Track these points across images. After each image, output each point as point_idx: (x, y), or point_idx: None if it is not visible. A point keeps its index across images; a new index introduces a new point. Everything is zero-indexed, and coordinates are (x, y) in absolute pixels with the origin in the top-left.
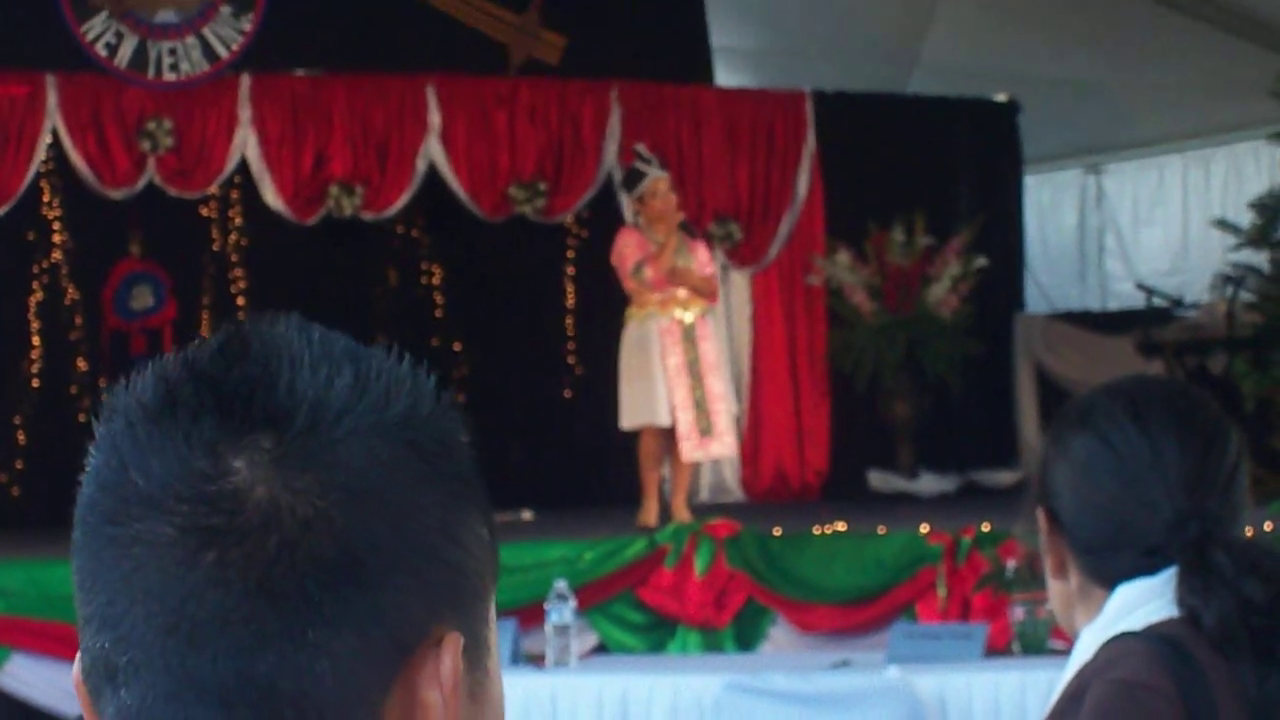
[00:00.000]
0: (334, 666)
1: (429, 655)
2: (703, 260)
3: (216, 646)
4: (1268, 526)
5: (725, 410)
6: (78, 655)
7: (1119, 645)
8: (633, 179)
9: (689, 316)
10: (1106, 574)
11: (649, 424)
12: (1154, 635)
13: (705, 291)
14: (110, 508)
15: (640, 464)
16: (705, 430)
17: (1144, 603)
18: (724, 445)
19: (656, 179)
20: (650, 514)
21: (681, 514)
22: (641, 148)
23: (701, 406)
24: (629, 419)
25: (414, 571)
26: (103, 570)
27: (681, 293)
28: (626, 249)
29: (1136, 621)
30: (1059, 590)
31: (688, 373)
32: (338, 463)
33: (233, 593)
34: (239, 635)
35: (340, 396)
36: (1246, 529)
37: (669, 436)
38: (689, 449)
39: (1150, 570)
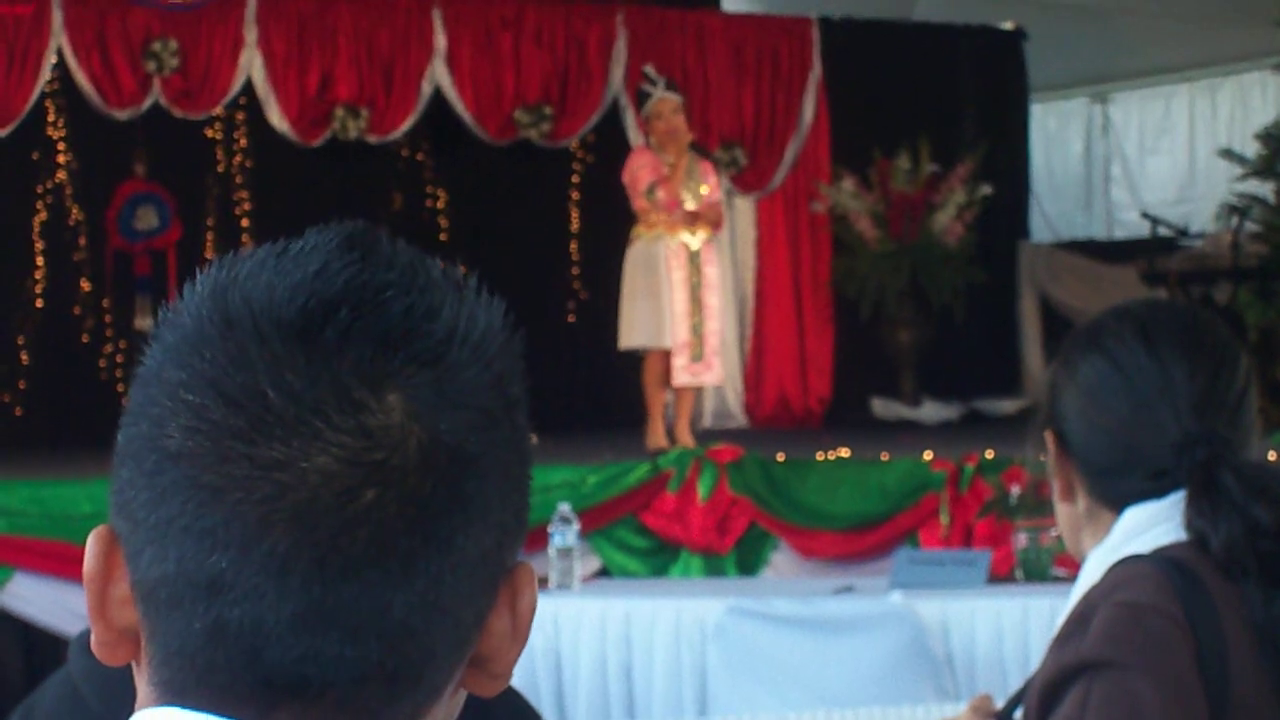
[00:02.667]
0: (456, 605)
1: (502, 587)
2: (711, 185)
3: (363, 581)
4: (1271, 456)
5: (718, 338)
6: (96, 552)
7: (1126, 568)
8: (639, 100)
9: (695, 242)
10: (1114, 497)
11: (652, 345)
12: (1161, 558)
13: (710, 219)
14: (240, 424)
15: (645, 386)
16: (697, 356)
17: (1152, 526)
18: (714, 374)
19: (660, 100)
20: (658, 435)
21: (685, 438)
22: (649, 69)
23: (697, 332)
24: (629, 339)
25: (513, 508)
26: (227, 488)
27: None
28: (640, 169)
29: (1144, 544)
30: (1066, 513)
31: (689, 297)
32: (479, 404)
33: (389, 530)
34: (389, 571)
35: (480, 334)
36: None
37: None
38: (678, 373)
39: (1158, 493)
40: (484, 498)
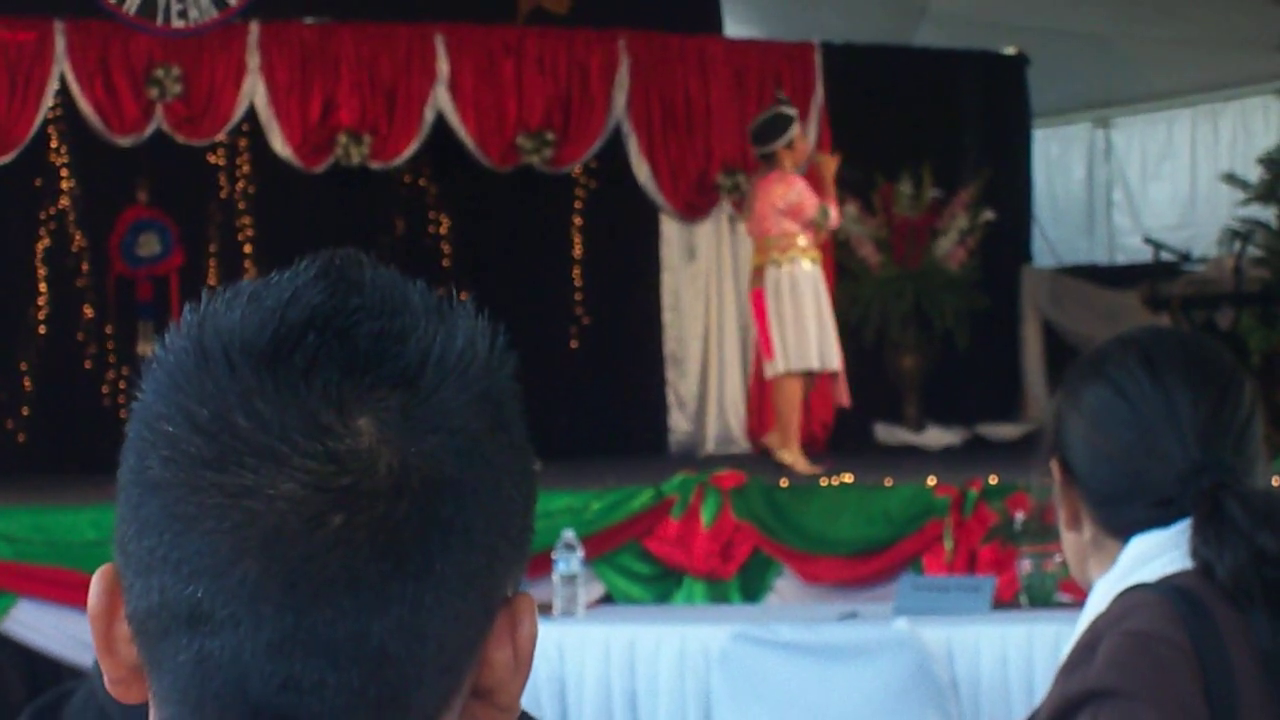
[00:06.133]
0: (440, 631)
1: (501, 616)
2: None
3: (337, 607)
4: (1276, 483)
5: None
6: (99, 590)
7: (1132, 597)
8: (783, 124)
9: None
10: (1120, 525)
11: (827, 368)
12: (1167, 587)
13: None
14: (212, 452)
15: (793, 409)
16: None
17: (1158, 554)
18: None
19: (799, 122)
20: (798, 456)
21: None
22: (782, 92)
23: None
24: (803, 361)
25: (504, 534)
26: (200, 516)
27: (803, 238)
28: (806, 192)
29: (1150, 573)
30: (1072, 542)
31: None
32: (457, 426)
33: (359, 555)
34: (362, 597)
35: (457, 356)
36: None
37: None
38: (842, 394)
39: (1164, 521)
40: (465, 521)
